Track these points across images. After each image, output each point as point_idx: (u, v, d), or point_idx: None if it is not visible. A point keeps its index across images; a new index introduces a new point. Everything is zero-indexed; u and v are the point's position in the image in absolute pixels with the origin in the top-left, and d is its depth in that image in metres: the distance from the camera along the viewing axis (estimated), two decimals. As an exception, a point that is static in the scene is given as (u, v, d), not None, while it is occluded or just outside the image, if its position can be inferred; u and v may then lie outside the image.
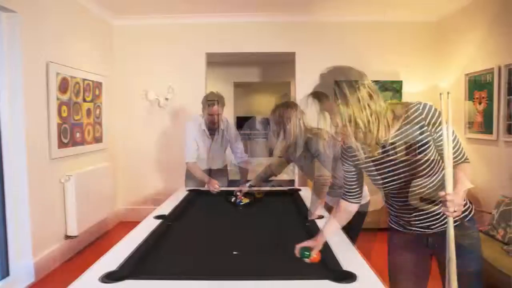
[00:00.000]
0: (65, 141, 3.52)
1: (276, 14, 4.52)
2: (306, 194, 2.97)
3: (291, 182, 4.93)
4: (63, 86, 3.49)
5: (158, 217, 2.27)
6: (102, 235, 4.21)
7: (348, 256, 1.60)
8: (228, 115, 8.27)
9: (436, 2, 4.10)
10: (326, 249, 1.64)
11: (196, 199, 2.84)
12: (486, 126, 3.64)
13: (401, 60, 4.63)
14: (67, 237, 3.52)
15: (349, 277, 1.36)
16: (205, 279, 1.39)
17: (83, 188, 3.62)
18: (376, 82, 4.61)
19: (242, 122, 11.91)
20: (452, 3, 4.07)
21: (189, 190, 3.08)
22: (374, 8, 4.35)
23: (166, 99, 4.57)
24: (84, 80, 3.87)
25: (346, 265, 1.48)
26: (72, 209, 3.48)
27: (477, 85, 3.79)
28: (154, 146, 4.78)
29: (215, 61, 7.67)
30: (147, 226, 2.11)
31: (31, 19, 3.06)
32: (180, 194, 3.04)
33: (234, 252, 1.74)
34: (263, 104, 11.96)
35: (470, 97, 3.91)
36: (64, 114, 3.51)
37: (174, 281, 1.40)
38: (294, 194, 2.87)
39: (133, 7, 4.29)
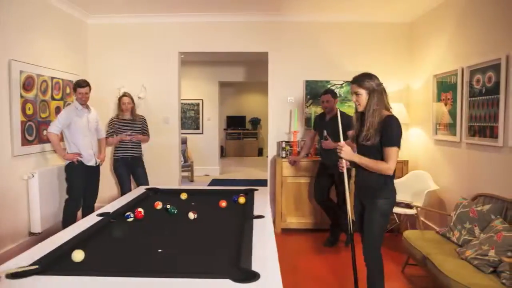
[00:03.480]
0: (30, 138, 3.54)
1: (249, 14, 4.51)
2: (261, 193, 2.98)
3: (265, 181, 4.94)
4: (28, 84, 3.50)
5: (100, 214, 2.29)
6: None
7: (266, 256, 1.61)
8: (214, 114, 8.29)
9: (409, 3, 4.09)
10: (247, 249, 1.66)
11: (148, 198, 2.85)
12: (451, 127, 3.63)
13: (375, 61, 4.61)
14: (31, 234, 3.54)
15: (251, 277, 1.37)
16: (112, 275, 1.41)
17: (48, 185, 3.63)
18: (348, 82, 4.60)
19: (232, 121, 11.91)
20: (424, 3, 4.05)
21: (147, 189, 3.10)
22: (347, 8, 4.34)
23: (139, 97, 4.57)
24: (52, 78, 3.88)
25: (257, 265, 1.49)
26: (36, 206, 3.49)
27: (444, 87, 3.79)
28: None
29: (200, 60, 7.68)
30: (86, 223, 2.13)
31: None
32: (137, 191, 3.05)
33: (159, 250, 1.75)
34: (252, 104, 11.96)
35: (438, 98, 3.91)
36: (29, 112, 3.52)
37: (80, 277, 1.41)
38: (248, 194, 2.88)
39: (107, 6, 4.29)
